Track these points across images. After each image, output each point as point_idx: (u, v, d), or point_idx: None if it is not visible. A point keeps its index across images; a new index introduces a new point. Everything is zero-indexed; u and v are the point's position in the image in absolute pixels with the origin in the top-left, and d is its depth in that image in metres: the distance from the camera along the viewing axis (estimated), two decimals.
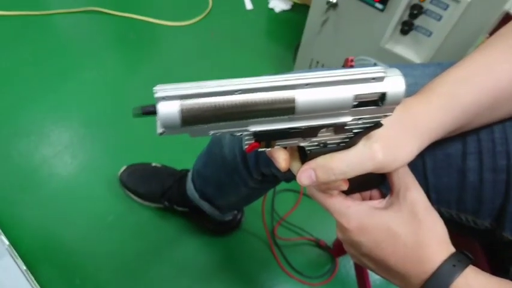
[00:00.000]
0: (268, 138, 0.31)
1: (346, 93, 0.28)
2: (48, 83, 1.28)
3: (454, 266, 0.35)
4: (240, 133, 0.30)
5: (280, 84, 0.27)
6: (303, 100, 0.28)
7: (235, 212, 1.03)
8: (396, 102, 0.29)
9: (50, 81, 1.29)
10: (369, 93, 0.28)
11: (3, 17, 1.43)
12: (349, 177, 0.35)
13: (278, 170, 0.36)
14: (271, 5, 1.63)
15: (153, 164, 1.08)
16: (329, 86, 0.28)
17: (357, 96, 0.28)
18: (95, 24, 1.48)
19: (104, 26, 1.49)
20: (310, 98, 0.28)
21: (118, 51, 1.43)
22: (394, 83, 0.28)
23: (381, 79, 0.28)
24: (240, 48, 1.48)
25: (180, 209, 1.00)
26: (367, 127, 0.32)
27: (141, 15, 1.51)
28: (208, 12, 1.56)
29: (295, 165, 0.36)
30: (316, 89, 0.28)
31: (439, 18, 0.90)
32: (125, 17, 1.50)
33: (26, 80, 1.28)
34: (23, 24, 1.43)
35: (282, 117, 0.29)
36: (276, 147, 0.33)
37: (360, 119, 0.31)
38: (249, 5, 1.63)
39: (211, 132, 0.29)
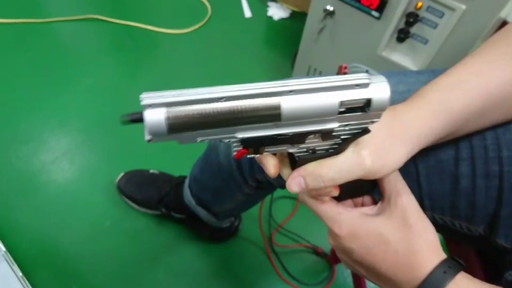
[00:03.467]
0: (256, 145, 0.31)
1: (332, 99, 0.28)
2: (47, 90, 1.29)
3: (444, 272, 0.35)
4: (228, 140, 0.30)
5: (266, 91, 0.27)
6: (288, 107, 0.28)
7: (233, 218, 1.03)
8: (382, 108, 0.29)
9: (48, 88, 1.29)
10: (354, 100, 0.29)
11: (2, 24, 1.45)
12: (338, 183, 0.35)
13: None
14: (270, 13, 1.64)
15: (151, 171, 1.08)
16: (314, 92, 0.28)
17: (342, 103, 0.29)
18: (94, 31, 1.50)
19: (104, 34, 1.50)
20: (295, 104, 0.28)
21: (117, 58, 1.44)
22: (379, 89, 0.29)
23: (365, 85, 0.28)
24: (239, 56, 1.48)
25: (177, 215, 1.00)
26: (355, 133, 0.32)
27: (141, 23, 1.52)
28: (207, 20, 1.58)
29: (286, 172, 0.37)
30: (302, 96, 0.28)
31: (434, 26, 0.90)
32: (124, 24, 1.51)
33: (25, 87, 1.29)
34: (23, 31, 1.44)
35: (268, 124, 0.29)
36: (265, 153, 0.33)
37: (347, 125, 0.31)
38: (248, 13, 1.64)
39: (199, 139, 0.29)
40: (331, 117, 0.30)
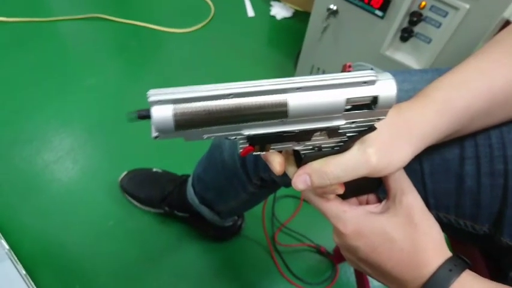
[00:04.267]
0: (262, 142, 0.31)
1: (338, 96, 0.28)
2: (51, 89, 1.29)
3: (450, 270, 0.35)
4: (234, 137, 0.30)
5: (273, 88, 0.27)
6: (295, 104, 0.28)
7: (236, 217, 1.03)
8: (388, 105, 0.29)
9: (52, 87, 1.30)
10: (360, 97, 0.28)
11: (6, 23, 1.45)
12: (343, 181, 0.35)
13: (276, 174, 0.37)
14: (272, 12, 1.64)
15: (154, 170, 1.08)
16: (321, 89, 0.28)
17: (348, 100, 0.29)
18: (97, 31, 1.50)
19: (107, 33, 1.50)
20: (302, 101, 0.28)
21: (120, 57, 1.44)
22: (385, 87, 0.28)
23: (372, 83, 0.28)
24: (242, 55, 1.49)
25: (180, 214, 1.00)
26: (360, 131, 0.32)
27: (144, 22, 1.52)
28: (210, 20, 1.58)
29: (291, 169, 0.37)
30: (309, 93, 0.28)
31: (438, 25, 0.90)
32: (127, 24, 1.52)
33: (29, 86, 1.29)
34: (26, 30, 1.45)
35: (274, 121, 0.29)
36: (270, 151, 0.33)
37: (353, 122, 0.31)
38: (250, 13, 1.64)
39: (206, 136, 0.29)
40: (338, 115, 0.30)
